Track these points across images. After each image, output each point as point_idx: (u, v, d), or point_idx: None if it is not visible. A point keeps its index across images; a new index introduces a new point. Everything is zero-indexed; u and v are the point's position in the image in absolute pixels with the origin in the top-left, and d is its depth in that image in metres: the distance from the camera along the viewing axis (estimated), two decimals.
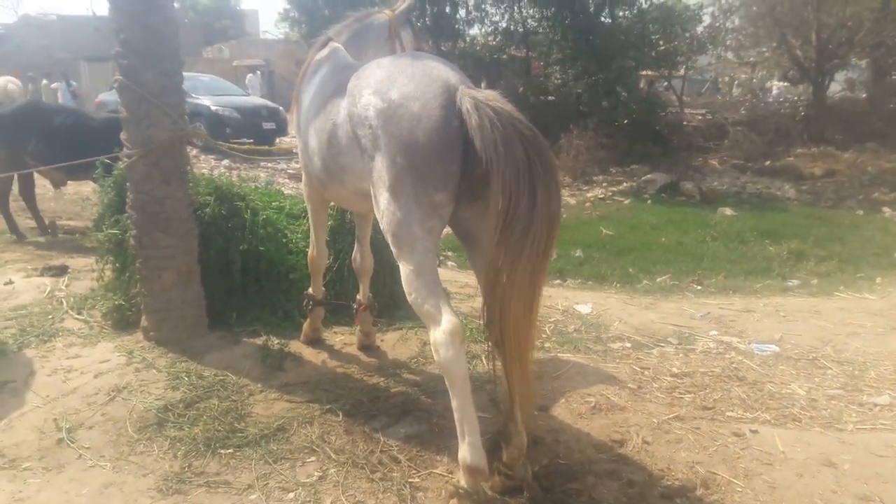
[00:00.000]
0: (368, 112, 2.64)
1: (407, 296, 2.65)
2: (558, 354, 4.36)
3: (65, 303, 4.84)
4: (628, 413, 3.48)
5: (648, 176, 15.75)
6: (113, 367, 3.83)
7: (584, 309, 5.65)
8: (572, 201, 14.63)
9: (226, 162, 15.40)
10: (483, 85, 20.81)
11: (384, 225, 2.67)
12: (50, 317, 4.59)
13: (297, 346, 4.18)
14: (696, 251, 9.57)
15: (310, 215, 3.98)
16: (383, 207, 2.62)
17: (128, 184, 4.02)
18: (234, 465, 2.94)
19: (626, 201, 14.20)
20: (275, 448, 3.07)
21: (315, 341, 4.30)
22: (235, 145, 6.27)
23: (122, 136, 3.95)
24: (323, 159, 3.17)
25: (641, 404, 3.61)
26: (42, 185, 8.51)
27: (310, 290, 4.27)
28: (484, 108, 2.45)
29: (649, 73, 20.37)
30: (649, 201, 14.06)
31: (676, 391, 3.84)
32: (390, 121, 2.56)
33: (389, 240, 2.68)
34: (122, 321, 4.42)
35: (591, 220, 12.24)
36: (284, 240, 4.59)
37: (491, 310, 2.55)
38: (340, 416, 3.34)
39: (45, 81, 18.84)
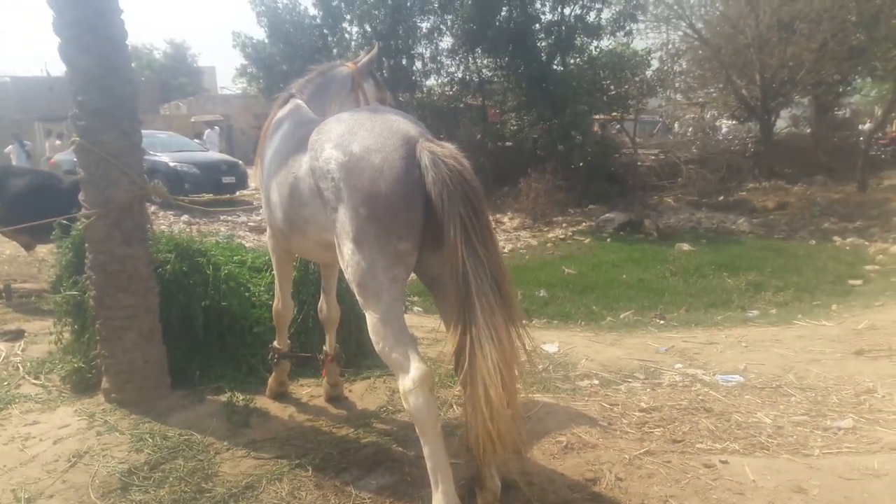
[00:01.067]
0: (330, 165, 2.69)
1: (374, 345, 2.66)
2: (528, 395, 4.37)
3: (21, 368, 4.70)
4: (600, 451, 3.49)
5: (607, 215, 16.04)
6: (73, 432, 3.71)
7: (550, 348, 5.69)
8: (534, 242, 14.81)
9: (185, 217, 15.25)
10: (442, 134, 21.20)
11: (349, 275, 2.69)
12: (6, 383, 4.45)
13: (263, 402, 4.12)
14: (657, 286, 9.74)
15: (274, 268, 3.98)
16: (348, 258, 2.66)
17: (87, 244, 3.96)
18: None
19: (587, 240, 14.41)
20: None
21: (281, 395, 4.23)
22: (195, 198, 6.24)
23: (81, 196, 3.92)
24: (285, 212, 3.20)
25: (612, 441, 3.63)
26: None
27: (275, 343, 4.21)
28: (440, 165, 2.55)
29: (602, 116, 20.91)
30: (609, 240, 14.29)
31: (646, 426, 3.87)
32: (352, 173, 2.62)
33: (355, 290, 2.70)
34: (82, 384, 4.30)
35: (553, 260, 12.38)
36: (247, 293, 4.56)
37: (459, 355, 2.57)
38: (310, 471, 3.29)
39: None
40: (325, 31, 20.40)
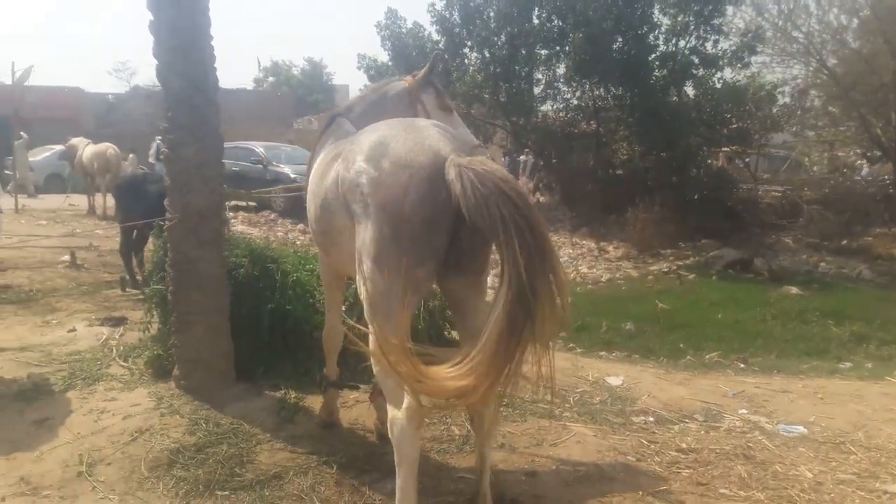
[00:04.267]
0: (361, 179, 2.66)
1: (373, 365, 2.67)
2: (567, 423, 4.41)
3: (114, 351, 5.27)
4: (616, 484, 3.50)
5: (717, 252, 15.43)
6: (141, 411, 4.15)
7: (614, 381, 5.65)
8: (635, 273, 14.50)
9: (301, 226, 16.13)
10: (555, 159, 21.22)
11: (363, 291, 2.69)
12: (98, 363, 5.02)
13: (312, 401, 4.40)
14: (752, 329, 9.32)
15: (325, 292, 4.05)
16: (366, 274, 2.65)
17: (168, 244, 4.43)
18: None
19: (691, 276, 13.94)
20: (267, 494, 3.26)
21: (330, 425, 4.11)
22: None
23: (166, 201, 4.39)
24: (321, 224, 3.24)
25: (633, 476, 3.61)
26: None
27: (325, 370, 4.17)
28: (466, 172, 2.42)
29: (728, 148, 20.20)
30: (714, 277, 13.76)
31: (676, 466, 3.81)
32: (379, 189, 2.58)
33: (366, 307, 2.70)
34: (161, 370, 4.76)
35: (649, 294, 12.09)
36: (312, 300, 4.86)
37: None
38: (334, 469, 3.52)
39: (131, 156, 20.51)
40: (446, 55, 21.04)
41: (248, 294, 4.73)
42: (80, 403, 4.29)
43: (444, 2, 20.84)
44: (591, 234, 18.07)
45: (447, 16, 20.96)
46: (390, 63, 21.53)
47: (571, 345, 8.01)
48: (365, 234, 2.64)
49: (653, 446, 4.13)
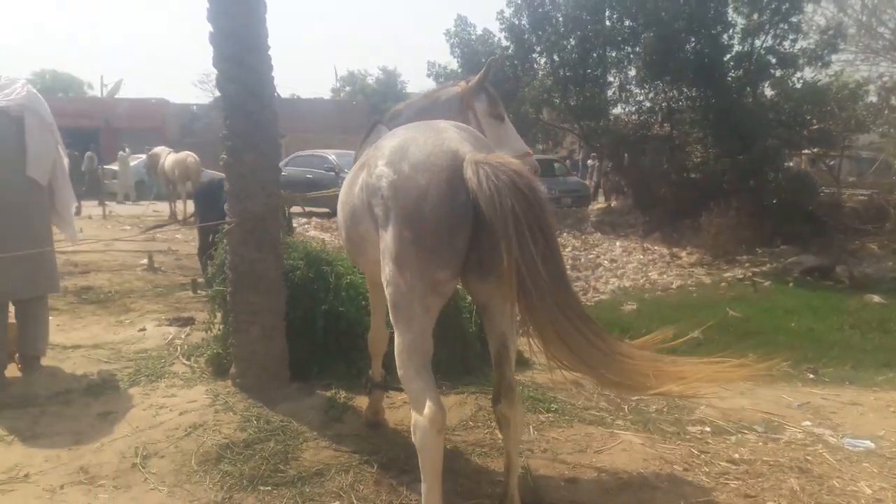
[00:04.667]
0: (381, 182, 2.69)
1: (397, 369, 2.71)
2: (615, 431, 4.33)
3: (179, 350, 5.52)
4: (658, 493, 3.42)
5: (795, 258, 14.84)
6: (197, 408, 4.33)
7: None
8: (707, 280, 14.11)
9: None
10: (626, 162, 20.84)
11: (387, 294, 2.73)
12: (162, 360, 5.27)
13: (361, 401, 4.47)
14: (828, 338, 8.93)
15: (369, 295, 4.10)
16: (388, 278, 2.69)
17: (227, 247, 4.61)
18: (268, 502, 3.25)
19: (766, 283, 13.45)
20: (307, 490, 3.34)
21: (375, 424, 4.16)
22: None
23: (225, 206, 4.57)
24: (346, 230, 3.30)
25: (678, 486, 3.52)
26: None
27: (370, 371, 4.20)
28: (482, 167, 2.45)
29: (811, 151, 19.38)
30: (791, 284, 13.23)
31: (724, 477, 3.69)
32: (399, 193, 2.61)
33: (390, 309, 2.73)
34: (220, 368, 4.95)
35: (721, 301, 11.75)
36: (364, 302, 4.95)
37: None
38: (375, 468, 3.57)
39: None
40: (515, 61, 21.04)
41: (304, 296, 4.85)
42: (142, 399, 4.52)
43: (513, 8, 20.89)
44: (664, 240, 17.67)
45: (516, 22, 21.03)
46: (460, 70, 21.70)
47: None
48: (387, 238, 2.67)
49: (703, 456, 4.01)
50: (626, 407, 4.95)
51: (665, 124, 20.44)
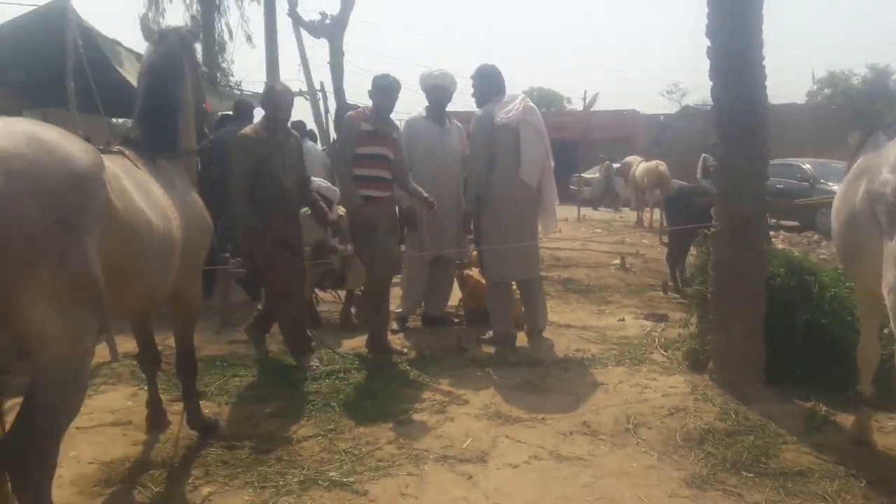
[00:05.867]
0: (886, 189, 2.67)
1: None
2: None
3: (656, 341, 6.06)
4: None
5: None
6: (678, 393, 4.75)
7: None
8: None
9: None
10: None
11: (888, 301, 2.68)
12: (643, 349, 5.86)
13: (843, 418, 4.28)
14: None
15: (858, 309, 4.00)
16: (891, 284, 2.63)
17: (711, 248, 4.91)
18: (749, 486, 3.45)
19: None
20: (790, 486, 3.43)
21: (861, 443, 3.95)
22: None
23: (712, 210, 4.88)
24: (842, 240, 3.28)
25: None
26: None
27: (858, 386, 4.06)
28: None
29: None
30: None
31: None
32: None
33: (892, 317, 2.68)
34: (696, 362, 5.27)
35: None
36: (849, 318, 4.70)
37: None
38: (863, 483, 3.45)
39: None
40: None
41: (783, 303, 4.84)
42: (628, 377, 5.15)
43: None
44: None
45: None
46: None
47: None
48: (892, 245, 2.61)
49: None
50: None
51: None
